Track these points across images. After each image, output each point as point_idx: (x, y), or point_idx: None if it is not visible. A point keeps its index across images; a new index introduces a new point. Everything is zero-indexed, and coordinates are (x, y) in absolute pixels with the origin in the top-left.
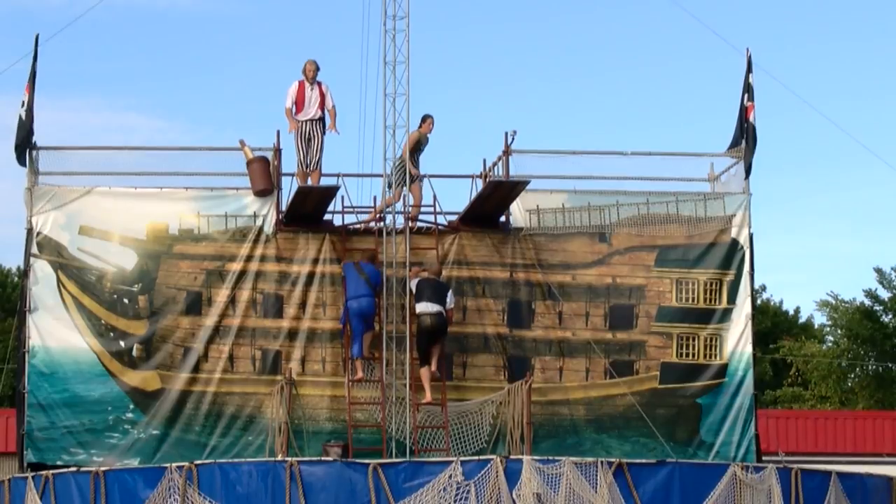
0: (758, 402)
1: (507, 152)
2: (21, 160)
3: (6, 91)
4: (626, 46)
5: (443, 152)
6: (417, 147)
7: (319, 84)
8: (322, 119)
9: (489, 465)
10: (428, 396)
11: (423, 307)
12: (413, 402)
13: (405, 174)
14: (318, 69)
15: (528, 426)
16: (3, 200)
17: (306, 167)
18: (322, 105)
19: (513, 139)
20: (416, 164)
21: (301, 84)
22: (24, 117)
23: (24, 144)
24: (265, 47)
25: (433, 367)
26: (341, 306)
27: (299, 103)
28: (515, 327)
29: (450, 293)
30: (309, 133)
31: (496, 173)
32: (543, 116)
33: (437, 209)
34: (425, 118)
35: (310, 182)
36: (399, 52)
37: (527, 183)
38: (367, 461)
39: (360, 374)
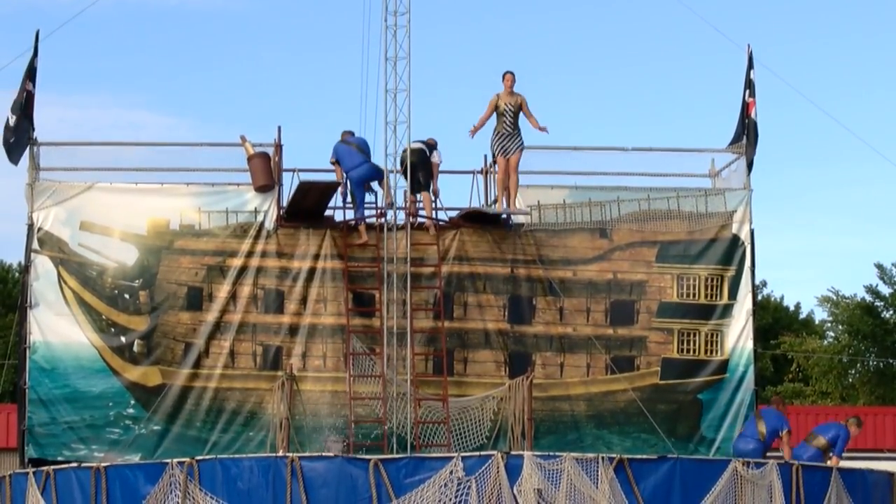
0: (758, 398)
1: None
2: (12, 159)
3: (11, 87)
4: (627, 42)
5: (443, 148)
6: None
7: None
8: None
9: (490, 461)
10: (428, 211)
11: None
12: (414, 398)
13: (503, 142)
14: None
15: (528, 422)
16: (4, 196)
17: None
18: None
19: None
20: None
21: None
22: (22, 113)
23: (21, 142)
24: (269, 44)
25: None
26: (342, 302)
27: None
28: (516, 323)
29: (436, 151)
30: None
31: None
32: (544, 112)
33: (439, 205)
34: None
35: None
36: (400, 48)
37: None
38: (367, 457)
39: (364, 238)
